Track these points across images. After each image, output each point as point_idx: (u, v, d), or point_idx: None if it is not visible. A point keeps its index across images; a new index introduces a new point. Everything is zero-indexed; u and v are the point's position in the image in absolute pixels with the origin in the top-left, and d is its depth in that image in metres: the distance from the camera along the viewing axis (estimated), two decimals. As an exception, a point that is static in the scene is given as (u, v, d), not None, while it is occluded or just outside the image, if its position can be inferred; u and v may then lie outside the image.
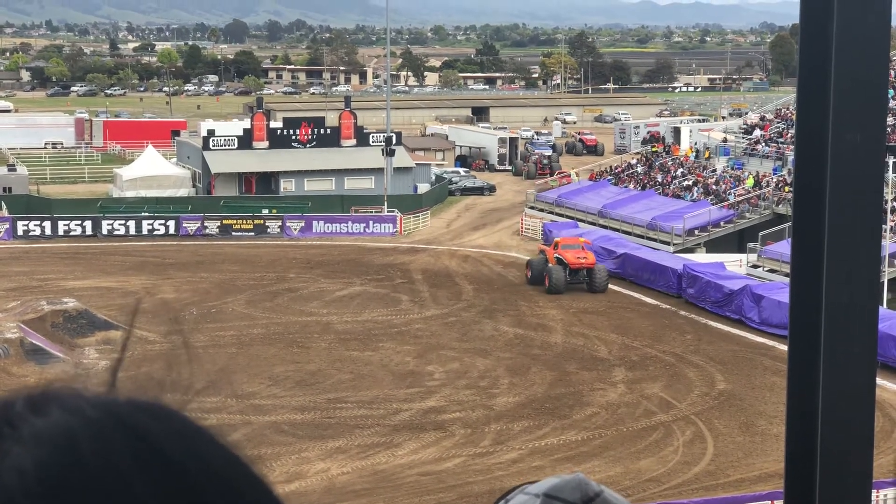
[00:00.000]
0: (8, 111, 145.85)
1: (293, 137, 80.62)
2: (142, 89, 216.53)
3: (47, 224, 69.06)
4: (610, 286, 57.02)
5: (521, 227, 71.87)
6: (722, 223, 65.44)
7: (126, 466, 0.94)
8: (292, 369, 42.82)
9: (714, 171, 72.89)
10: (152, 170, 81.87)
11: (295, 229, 70.58)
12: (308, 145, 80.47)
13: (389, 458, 34.63)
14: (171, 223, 70.28)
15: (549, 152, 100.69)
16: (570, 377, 42.72)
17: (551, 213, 73.58)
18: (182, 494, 0.96)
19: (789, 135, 71.82)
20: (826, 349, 2.05)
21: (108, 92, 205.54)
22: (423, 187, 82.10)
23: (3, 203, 73.27)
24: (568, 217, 70.97)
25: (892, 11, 2.02)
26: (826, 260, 2.03)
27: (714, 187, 69.38)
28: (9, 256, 62.92)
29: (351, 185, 79.08)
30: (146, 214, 71.32)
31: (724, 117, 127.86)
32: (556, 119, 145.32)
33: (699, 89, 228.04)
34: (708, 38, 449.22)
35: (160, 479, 0.95)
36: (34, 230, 68.69)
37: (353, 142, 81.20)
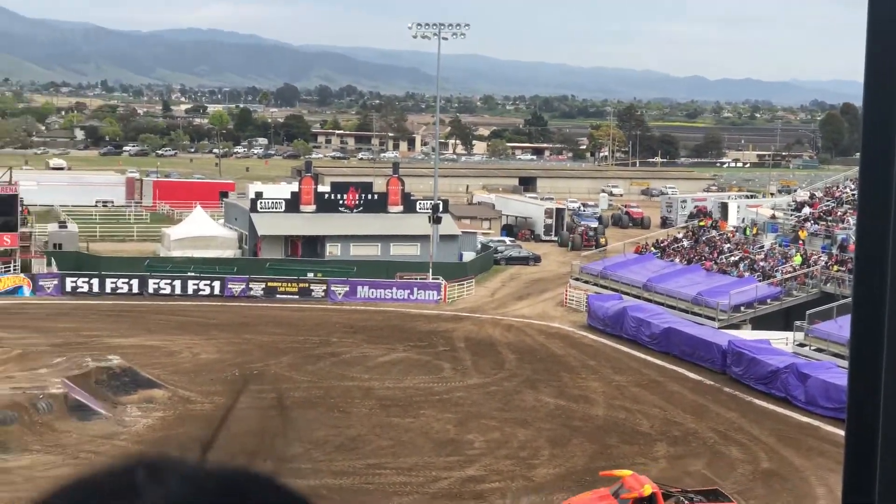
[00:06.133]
0: (62, 169, 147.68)
1: (340, 202, 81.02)
2: (192, 150, 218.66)
3: (95, 281, 69.61)
4: (653, 360, 56.68)
5: (566, 299, 71.70)
6: (769, 300, 64.99)
7: None
8: (333, 433, 42.71)
9: (762, 247, 72.56)
10: (200, 230, 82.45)
11: (339, 293, 70.76)
12: (355, 210, 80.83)
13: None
14: (217, 284, 70.67)
15: (594, 224, 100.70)
16: (611, 450, 42.37)
17: (596, 284, 73.40)
18: None
19: (838, 213, 71.46)
20: (885, 429, 2.03)
21: (160, 152, 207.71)
22: (469, 255, 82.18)
23: (52, 259, 73.97)
24: (613, 289, 70.76)
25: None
26: (886, 340, 2.02)
27: (761, 264, 69.03)
28: (57, 312, 63.42)
29: (396, 251, 79.26)
30: (192, 274, 71.73)
31: (772, 194, 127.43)
32: (603, 191, 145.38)
33: (748, 165, 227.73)
34: (758, 115, 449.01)
35: None
36: (82, 287, 69.25)
37: (401, 208, 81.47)
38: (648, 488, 33.53)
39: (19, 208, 73.91)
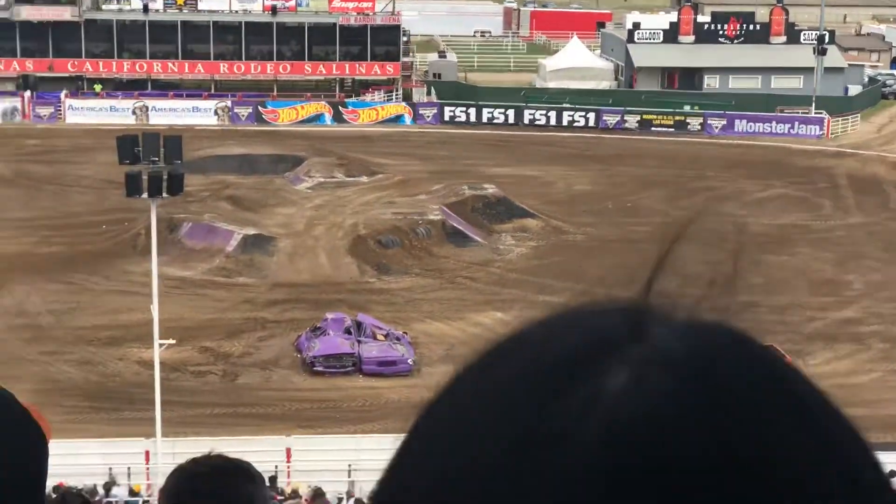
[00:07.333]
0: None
1: (720, 32, 78.69)
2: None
3: (472, 111, 70.84)
4: None
5: (961, 136, 67.41)
6: None
7: (773, 410, 0.85)
8: (704, 269, 42.06)
9: None
10: (576, 61, 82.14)
11: (717, 127, 69.20)
12: (735, 41, 78.34)
13: (801, 366, 33.54)
14: (592, 116, 70.47)
15: None
16: None
17: None
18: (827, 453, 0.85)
19: None
20: None
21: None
22: (855, 89, 78.32)
23: (432, 89, 75.76)
24: None
25: None
26: None
27: None
28: (435, 141, 65.10)
29: (778, 85, 76.47)
30: (567, 106, 71.81)
31: None
32: None
33: None
34: None
35: (805, 432, 0.86)
36: (460, 116, 70.65)
37: (783, 39, 78.35)
38: None
39: (402, 38, 75.85)
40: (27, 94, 68.50)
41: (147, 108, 68.10)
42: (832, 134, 68.94)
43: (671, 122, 69.83)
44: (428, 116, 70.59)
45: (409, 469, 0.84)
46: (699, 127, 69.40)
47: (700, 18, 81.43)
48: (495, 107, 71.28)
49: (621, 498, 0.76)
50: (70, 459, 25.03)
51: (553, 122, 70.31)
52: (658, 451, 0.78)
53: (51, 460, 1.64)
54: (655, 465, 0.77)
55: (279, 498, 25.85)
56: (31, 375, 32.28)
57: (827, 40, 75.99)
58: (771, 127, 69.14)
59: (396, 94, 73.59)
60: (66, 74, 71.31)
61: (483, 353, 0.87)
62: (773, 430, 0.83)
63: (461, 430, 0.82)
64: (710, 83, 77.10)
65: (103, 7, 73.24)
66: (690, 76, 77.83)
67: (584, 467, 0.76)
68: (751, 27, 79.06)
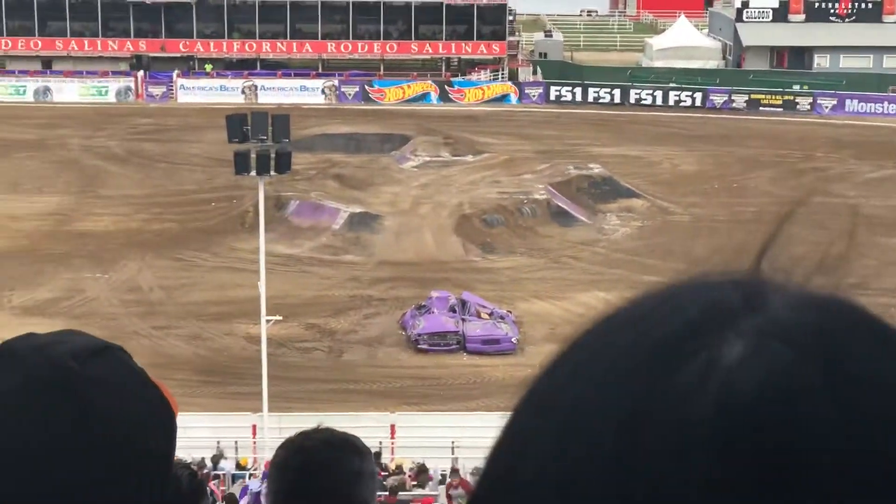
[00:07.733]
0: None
1: (832, 10, 77.30)
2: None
3: (578, 90, 70.54)
4: None
5: None
6: None
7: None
8: (810, 250, 41.46)
9: None
10: (683, 40, 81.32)
11: (826, 107, 68.08)
12: (847, 19, 76.92)
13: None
14: (699, 95, 69.77)
15: None
16: None
17: None
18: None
19: None
20: None
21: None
22: (971, 68, 76.57)
23: (538, 68, 75.57)
24: None
25: None
26: None
27: None
28: (541, 120, 64.95)
29: (890, 64, 74.97)
30: (674, 85, 71.17)
31: None
32: None
33: None
34: None
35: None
36: (566, 95, 70.41)
37: (896, 17, 76.87)
38: None
39: (508, 17, 75.72)
40: (140, 73, 69.79)
41: (256, 87, 68.91)
42: (946, 114, 67.55)
43: (779, 102, 68.87)
44: (533, 96, 70.45)
45: (518, 446, 0.81)
46: (808, 107, 68.37)
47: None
48: (601, 86, 70.90)
49: (737, 470, 0.73)
50: (179, 432, 25.46)
51: (659, 101, 69.75)
52: (777, 423, 0.75)
53: None
54: (773, 438, 0.75)
55: (383, 473, 26.16)
56: (143, 349, 32.96)
57: (942, 18, 74.35)
58: (883, 107, 67.86)
59: (502, 74, 73.52)
60: (178, 54, 72.46)
61: (594, 326, 0.85)
62: None
63: (572, 404, 0.79)
64: (821, 62, 75.86)
65: (214, -12, 74.33)
66: (800, 55, 76.65)
67: (700, 440, 0.74)
68: (863, 5, 77.55)
